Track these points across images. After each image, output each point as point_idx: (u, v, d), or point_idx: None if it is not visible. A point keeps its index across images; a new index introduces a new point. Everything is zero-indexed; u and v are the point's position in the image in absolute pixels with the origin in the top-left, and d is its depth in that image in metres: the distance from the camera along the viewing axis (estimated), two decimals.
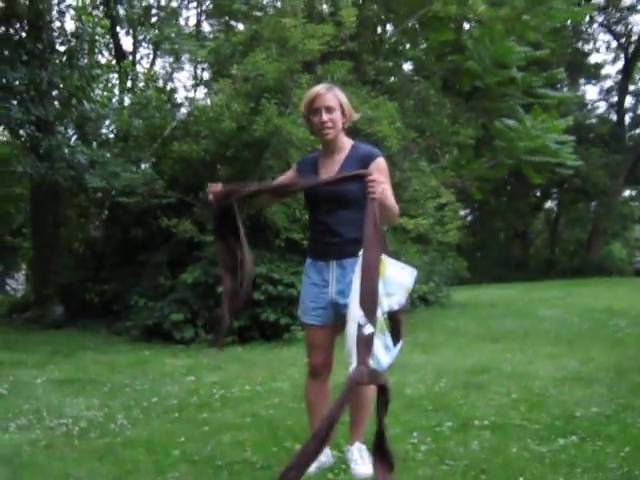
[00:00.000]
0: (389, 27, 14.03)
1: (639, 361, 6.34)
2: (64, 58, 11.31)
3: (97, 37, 11.40)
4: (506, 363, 6.50)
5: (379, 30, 13.45)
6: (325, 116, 3.23)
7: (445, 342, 8.34)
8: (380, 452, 2.86)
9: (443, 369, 6.26)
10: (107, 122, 12.42)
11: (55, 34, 11.64)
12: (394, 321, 2.94)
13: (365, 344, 2.74)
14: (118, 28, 16.70)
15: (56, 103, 11.44)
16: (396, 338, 2.91)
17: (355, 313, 2.80)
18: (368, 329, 2.74)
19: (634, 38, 30.59)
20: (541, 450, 3.55)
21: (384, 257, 2.91)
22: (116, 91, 13.26)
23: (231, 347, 8.50)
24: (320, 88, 3.31)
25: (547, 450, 3.55)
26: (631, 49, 30.37)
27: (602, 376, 5.64)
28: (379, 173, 3.15)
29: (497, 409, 4.52)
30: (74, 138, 11.93)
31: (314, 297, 3.35)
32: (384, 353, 2.82)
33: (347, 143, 3.37)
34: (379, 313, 2.80)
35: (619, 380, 5.46)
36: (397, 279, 2.92)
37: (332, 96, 3.26)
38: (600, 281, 22.80)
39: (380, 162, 3.29)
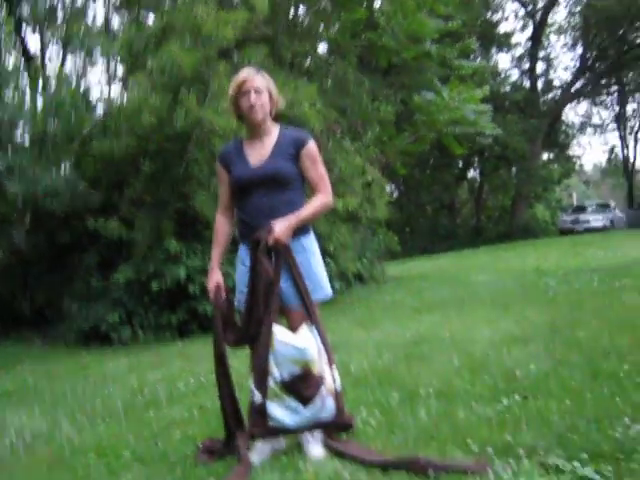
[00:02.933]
0: (301, 9, 13.97)
1: (571, 317, 6.54)
2: None
3: (3, 37, 11.04)
4: (445, 331, 6.62)
5: (292, 13, 13.38)
6: (254, 97, 3.27)
7: (383, 317, 8.44)
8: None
9: (384, 343, 6.33)
10: (21, 126, 12.04)
11: None
12: (293, 388, 3.17)
13: (254, 409, 3.19)
14: (24, 28, 16.18)
15: None
16: (303, 400, 3.18)
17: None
18: (257, 397, 3.17)
19: (540, 5, 31.36)
20: (487, 412, 3.64)
21: (276, 329, 3.18)
22: (28, 93, 12.87)
23: (171, 343, 8.43)
24: (249, 71, 3.37)
25: (492, 411, 3.64)
26: (538, 16, 31.11)
27: (537, 334, 5.81)
28: (311, 158, 3.37)
29: (441, 377, 4.61)
30: None
31: None
32: (287, 414, 3.17)
33: (274, 128, 3.42)
34: (271, 382, 3.17)
35: (554, 337, 5.63)
36: (284, 352, 3.16)
37: (261, 79, 3.33)
38: (527, 243, 23.46)
39: (311, 146, 3.40)
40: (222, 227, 3.51)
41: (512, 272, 12.31)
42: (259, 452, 3.25)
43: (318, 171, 3.37)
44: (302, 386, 3.16)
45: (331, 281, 10.86)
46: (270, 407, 3.17)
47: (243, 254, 3.40)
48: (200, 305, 8.69)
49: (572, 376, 4.18)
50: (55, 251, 10.82)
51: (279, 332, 3.18)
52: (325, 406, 3.21)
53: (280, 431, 3.21)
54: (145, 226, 9.11)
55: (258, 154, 3.34)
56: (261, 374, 3.16)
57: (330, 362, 3.28)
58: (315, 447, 3.28)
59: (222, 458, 3.36)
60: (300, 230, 3.30)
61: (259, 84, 3.30)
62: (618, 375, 4.03)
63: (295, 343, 3.16)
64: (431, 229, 32.11)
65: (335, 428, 3.32)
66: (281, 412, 3.18)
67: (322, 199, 3.35)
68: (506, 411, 3.62)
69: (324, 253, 10.45)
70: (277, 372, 3.16)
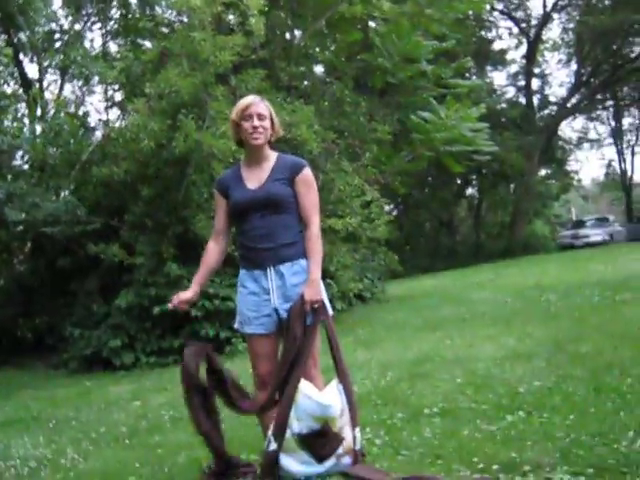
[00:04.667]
0: (297, 32, 14.10)
1: (573, 332, 6.55)
2: None
3: (1, 67, 11.13)
4: (447, 349, 6.63)
5: (288, 36, 13.49)
6: (257, 122, 3.33)
7: (386, 336, 8.44)
8: None
9: (387, 363, 6.34)
10: (20, 153, 12.11)
11: None
12: (310, 443, 3.16)
13: (267, 458, 3.16)
14: (22, 56, 16.31)
15: None
16: (318, 457, 3.16)
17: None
18: (272, 446, 3.14)
19: (534, 22, 31.59)
20: (491, 429, 3.65)
21: (303, 384, 3.18)
22: (26, 121, 12.95)
23: (173, 366, 8.40)
24: (254, 97, 3.46)
25: (497, 428, 3.65)
26: (532, 33, 31.32)
27: (540, 350, 5.81)
28: (306, 185, 3.38)
29: (444, 395, 4.62)
30: None
31: (254, 306, 3.37)
32: (300, 467, 3.16)
33: (272, 154, 3.47)
34: (288, 434, 3.14)
35: (556, 352, 5.64)
36: (306, 407, 3.15)
37: (265, 106, 3.41)
38: (527, 260, 23.46)
39: (307, 173, 3.43)
40: (211, 251, 3.54)
41: (513, 288, 12.31)
42: None
43: (311, 198, 3.39)
44: (319, 443, 3.16)
45: (332, 302, 10.85)
46: (283, 459, 3.18)
47: (243, 277, 3.43)
48: (202, 328, 8.67)
49: (576, 391, 4.19)
50: (56, 277, 10.83)
51: (305, 387, 3.20)
52: (339, 465, 3.20)
53: None
54: (146, 250, 9.13)
55: (256, 178, 3.38)
56: (281, 425, 3.16)
57: (354, 423, 3.27)
58: None
59: None
60: (299, 253, 3.33)
61: (262, 110, 3.37)
62: (622, 389, 4.04)
63: (320, 400, 3.16)
64: (431, 247, 32.10)
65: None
66: (294, 465, 3.17)
67: (316, 237, 3.36)
68: (511, 427, 3.63)
69: (325, 274, 10.52)
70: (296, 425, 3.15)
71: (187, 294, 3.49)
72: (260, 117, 3.34)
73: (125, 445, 4.53)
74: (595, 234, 28.55)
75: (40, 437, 5.15)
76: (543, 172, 34.72)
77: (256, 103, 3.37)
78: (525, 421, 3.71)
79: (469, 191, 35.69)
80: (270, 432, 3.22)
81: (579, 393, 4.14)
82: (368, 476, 3.13)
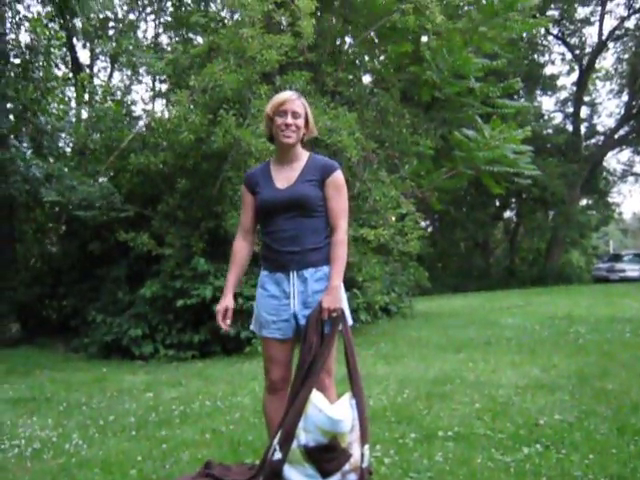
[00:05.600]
0: (347, 38, 14.04)
1: (600, 367, 6.37)
2: (19, 70, 11.13)
3: (53, 49, 11.25)
4: (469, 372, 6.49)
5: (338, 41, 13.43)
6: (291, 119, 3.23)
7: (408, 352, 8.30)
8: None
9: (406, 380, 6.22)
10: (63, 135, 12.23)
11: (9, 46, 11.45)
12: (315, 457, 3.04)
13: (271, 467, 3.05)
14: (75, 41, 16.53)
15: (10, 116, 11.24)
16: (323, 472, 3.03)
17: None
18: (277, 455, 3.04)
19: (588, 50, 31.19)
20: (506, 460, 3.51)
21: (314, 395, 3.08)
22: (73, 104, 13.08)
23: (191, 362, 8.37)
24: (291, 94, 3.33)
25: (511, 460, 3.51)
26: (585, 60, 30.93)
27: (564, 383, 5.65)
28: (336, 188, 3.27)
29: (461, 419, 4.48)
30: (29, 152, 11.72)
31: (273, 310, 3.27)
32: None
33: (304, 154, 3.37)
34: (294, 445, 3.02)
35: (581, 387, 5.47)
36: (315, 420, 3.04)
37: (301, 104, 3.30)
38: (559, 289, 23.10)
39: (338, 176, 3.31)
40: (241, 251, 3.44)
41: (542, 317, 12.09)
42: None
43: (340, 203, 3.28)
44: (325, 457, 3.04)
45: (357, 313, 10.74)
46: (287, 470, 3.08)
47: (265, 279, 3.34)
48: None
49: (598, 429, 4.03)
50: (86, 261, 10.87)
51: (317, 398, 3.10)
52: None
53: None
54: (175, 242, 9.11)
55: (285, 178, 3.28)
56: (288, 434, 3.06)
57: (363, 440, 3.17)
58: None
59: None
60: (324, 259, 3.23)
61: (298, 108, 3.26)
62: None
63: (331, 413, 3.04)
64: (464, 267, 31.82)
65: None
66: (297, 477, 3.05)
67: (342, 243, 3.24)
68: (526, 460, 3.49)
69: (353, 283, 10.42)
70: (303, 437, 3.05)
71: (227, 305, 3.37)
72: (294, 115, 3.24)
73: (131, 436, 4.47)
74: (632, 269, 28.05)
75: (49, 419, 5.12)
76: (584, 202, 34.25)
77: (292, 100, 3.26)
78: (542, 455, 3.57)
79: (507, 214, 35.34)
80: (276, 441, 3.12)
81: (601, 432, 3.98)
82: None
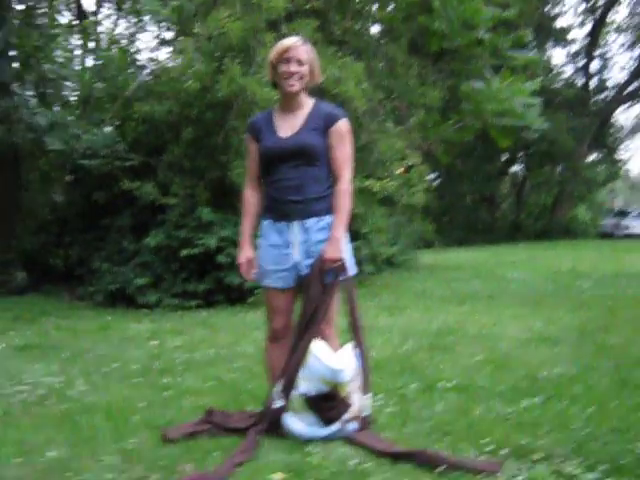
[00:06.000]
0: None
1: (602, 322, 6.39)
2: (22, 17, 10.97)
3: None
4: (472, 325, 6.52)
5: None
6: (295, 67, 3.17)
7: (411, 304, 8.33)
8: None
9: (409, 331, 6.25)
10: (68, 83, 12.10)
11: None
12: (316, 406, 3.10)
13: (271, 414, 3.16)
14: None
15: (14, 64, 11.11)
16: (323, 420, 3.10)
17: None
18: (278, 403, 3.14)
19: (600, 2, 30.60)
20: (506, 411, 3.54)
21: (315, 345, 3.10)
22: (77, 52, 12.92)
23: (196, 311, 8.42)
24: (296, 40, 3.26)
25: (511, 411, 3.53)
26: (598, 13, 30.37)
27: (566, 337, 5.67)
28: (340, 137, 3.23)
29: (462, 371, 4.51)
30: (33, 100, 11.62)
31: (275, 259, 3.28)
32: (303, 428, 3.11)
33: (309, 101, 3.32)
34: (295, 394, 3.11)
35: (583, 341, 5.49)
36: (315, 369, 3.07)
37: (305, 50, 3.22)
38: (565, 244, 23.12)
39: (343, 124, 3.27)
40: (251, 199, 3.43)
41: (547, 271, 12.11)
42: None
43: (344, 152, 3.25)
44: (325, 406, 3.09)
45: (361, 264, 10.74)
46: (287, 419, 3.12)
47: (266, 228, 3.33)
48: (228, 276, 8.63)
49: (598, 383, 4.05)
50: (91, 210, 10.85)
51: (318, 348, 3.10)
52: (344, 430, 3.12)
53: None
54: (180, 192, 9.08)
55: (289, 126, 3.24)
56: (289, 383, 3.10)
57: (365, 390, 3.19)
58: None
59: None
60: (327, 209, 3.21)
61: (303, 55, 3.20)
62: None
63: (331, 364, 3.06)
64: (469, 221, 31.75)
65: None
66: (298, 425, 3.12)
67: (345, 192, 3.23)
68: (525, 412, 3.51)
69: (357, 235, 10.41)
70: (304, 386, 3.08)
71: (248, 256, 3.38)
72: (299, 62, 3.17)
73: (134, 383, 4.50)
74: (637, 226, 27.99)
75: (54, 366, 5.16)
76: (592, 157, 33.97)
77: (297, 46, 3.19)
78: (541, 407, 3.59)
79: (514, 168, 35.11)
80: (277, 389, 3.14)
81: (602, 385, 4.00)
82: (372, 444, 3.04)
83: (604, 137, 32.57)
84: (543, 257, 16.28)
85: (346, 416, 3.09)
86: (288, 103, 3.28)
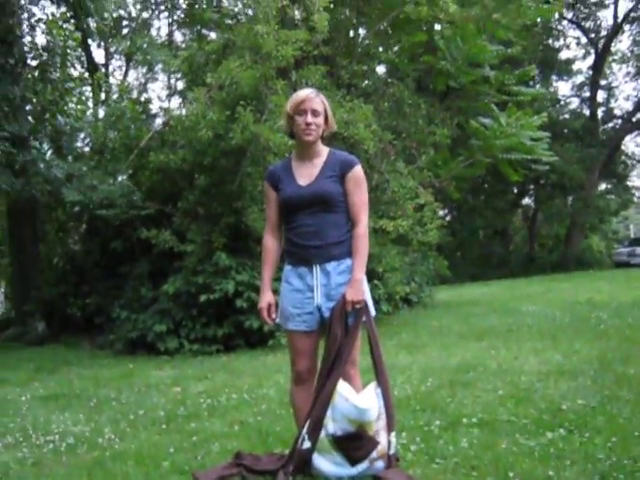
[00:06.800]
0: (361, 30, 14.06)
1: (622, 352, 6.39)
2: (36, 72, 11.27)
3: (69, 50, 11.36)
4: (491, 360, 6.53)
5: (352, 34, 13.45)
6: (311, 118, 3.29)
7: (430, 342, 8.36)
8: None
9: (429, 368, 6.28)
10: (82, 135, 12.35)
11: (26, 49, 11.59)
12: (344, 446, 3.15)
13: (300, 455, 3.18)
14: (89, 41, 16.65)
15: (30, 118, 11.37)
16: (351, 460, 3.15)
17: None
18: (306, 444, 3.17)
19: (603, 33, 30.90)
20: (530, 444, 3.57)
21: (341, 385, 3.18)
22: (90, 104, 13.21)
23: (216, 356, 8.48)
24: (310, 92, 3.40)
25: (536, 444, 3.57)
26: (600, 44, 30.65)
27: (586, 368, 5.68)
28: (356, 183, 3.35)
29: (485, 406, 4.54)
30: (49, 152, 11.86)
31: (298, 303, 3.36)
32: (332, 468, 3.16)
33: (324, 149, 3.44)
34: (322, 434, 3.15)
35: (603, 371, 5.51)
36: (342, 409, 3.14)
37: (320, 101, 3.36)
38: (580, 275, 23.01)
39: (358, 171, 3.40)
40: (271, 247, 3.52)
41: (563, 303, 12.09)
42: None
43: (361, 197, 3.37)
44: (353, 445, 3.14)
45: (379, 303, 10.77)
46: (316, 459, 3.18)
47: (288, 273, 3.42)
48: (247, 320, 8.71)
49: (620, 413, 4.08)
50: (108, 259, 11.00)
51: (344, 388, 3.18)
52: (372, 469, 3.17)
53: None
54: (197, 239, 9.21)
55: (307, 174, 3.36)
56: (316, 424, 3.16)
57: (389, 428, 3.24)
58: None
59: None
60: (346, 253, 3.31)
61: (317, 106, 3.33)
62: None
63: (357, 403, 3.13)
64: (483, 255, 31.74)
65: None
66: (326, 465, 3.17)
67: (363, 236, 3.33)
68: (550, 445, 3.54)
69: (373, 275, 10.48)
70: (332, 426, 3.15)
71: (269, 301, 3.44)
72: (314, 113, 3.31)
73: (161, 430, 4.56)
74: None
75: (80, 414, 5.24)
76: (603, 186, 33.98)
77: (311, 98, 3.32)
78: (565, 439, 3.62)
79: (525, 201, 35.15)
80: (305, 430, 3.20)
81: (624, 415, 4.03)
82: None
83: (614, 166, 32.61)
84: (559, 289, 16.24)
85: (374, 454, 3.14)
86: (305, 152, 3.40)
